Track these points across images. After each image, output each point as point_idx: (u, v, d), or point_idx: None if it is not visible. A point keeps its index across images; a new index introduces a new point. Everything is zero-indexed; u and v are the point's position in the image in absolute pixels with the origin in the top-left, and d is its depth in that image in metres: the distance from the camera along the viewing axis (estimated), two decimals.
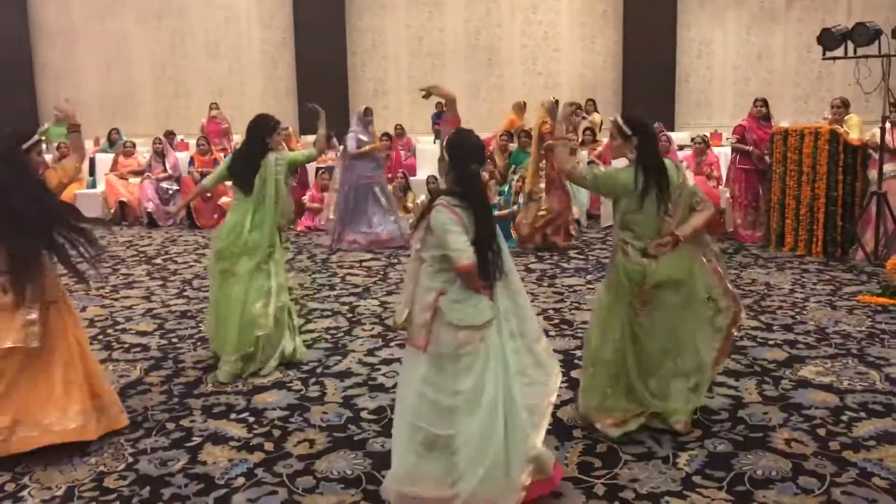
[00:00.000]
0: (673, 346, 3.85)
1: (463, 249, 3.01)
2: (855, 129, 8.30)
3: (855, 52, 7.46)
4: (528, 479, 3.09)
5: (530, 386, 3.18)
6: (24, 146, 3.84)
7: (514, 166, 9.61)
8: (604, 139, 11.82)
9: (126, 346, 5.52)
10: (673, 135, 11.13)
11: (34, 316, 3.66)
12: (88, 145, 14.17)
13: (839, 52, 7.57)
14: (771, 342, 5.31)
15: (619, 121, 3.80)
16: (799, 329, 5.59)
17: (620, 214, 3.82)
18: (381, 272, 7.82)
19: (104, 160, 12.48)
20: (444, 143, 3.26)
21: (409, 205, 10.51)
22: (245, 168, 4.93)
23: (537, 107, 9.74)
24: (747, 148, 8.95)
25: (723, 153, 10.29)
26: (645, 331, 3.82)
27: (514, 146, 10.76)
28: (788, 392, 4.42)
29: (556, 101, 8.79)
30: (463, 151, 3.14)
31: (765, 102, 9.24)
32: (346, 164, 9.36)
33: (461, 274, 3.04)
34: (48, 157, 12.45)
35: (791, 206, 8.30)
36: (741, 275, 7.37)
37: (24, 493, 3.45)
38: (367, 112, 9.60)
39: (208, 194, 10.81)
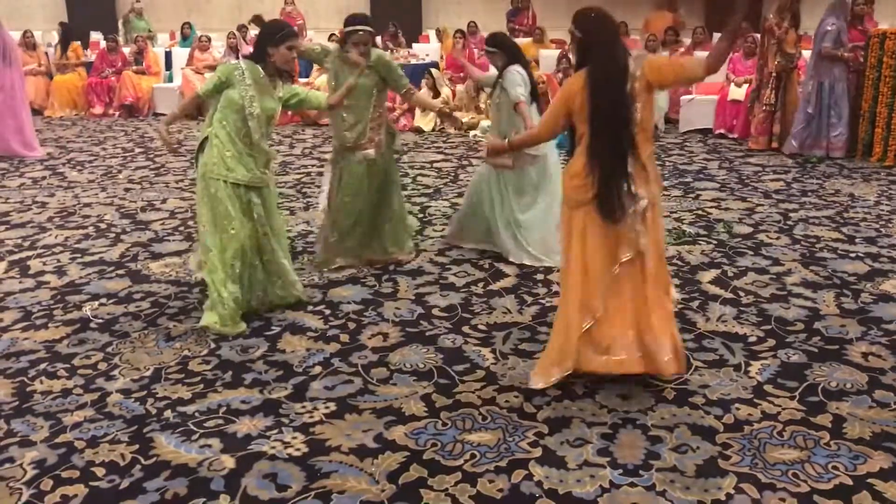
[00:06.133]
0: None
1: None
2: None
3: None
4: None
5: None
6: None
7: None
8: (686, 40, 11.36)
9: None
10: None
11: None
12: (164, 39, 14.29)
13: None
14: (852, 254, 5.16)
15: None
16: (883, 242, 5.41)
17: None
18: (452, 174, 7.80)
19: (180, 55, 12.59)
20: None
21: (482, 105, 10.35)
22: None
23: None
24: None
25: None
26: None
27: None
28: (868, 306, 4.31)
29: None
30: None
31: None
32: None
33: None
34: (126, 51, 12.65)
35: (882, 114, 7.89)
36: (824, 185, 7.13)
37: (116, 372, 3.65)
38: None
39: None
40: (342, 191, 4.89)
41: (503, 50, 5.03)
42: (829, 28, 8.20)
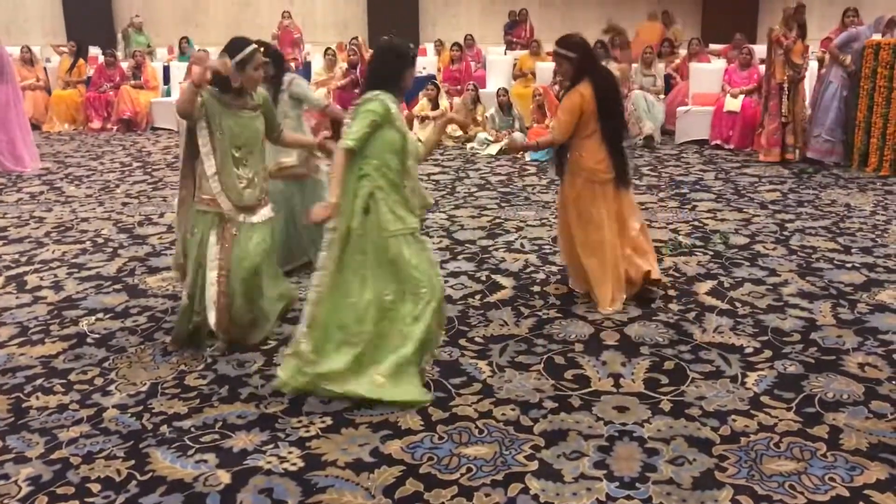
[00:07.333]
0: None
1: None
2: None
3: None
4: None
5: None
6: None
7: None
8: (682, 51, 11.41)
9: None
10: (757, 48, 10.62)
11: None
12: (163, 54, 14.34)
13: None
14: (848, 265, 5.17)
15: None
16: (879, 252, 5.42)
17: None
18: (450, 186, 7.82)
19: (179, 69, 12.63)
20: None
21: (479, 118, 10.38)
22: None
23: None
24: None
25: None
26: None
27: None
28: (864, 316, 4.32)
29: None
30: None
31: (856, 12, 8.76)
32: None
33: None
34: (124, 65, 12.69)
35: (878, 124, 7.94)
36: (820, 195, 7.14)
37: (112, 387, 3.64)
38: None
39: None
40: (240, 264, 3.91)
41: (273, 60, 4.75)
42: (851, 29, 8.36)
